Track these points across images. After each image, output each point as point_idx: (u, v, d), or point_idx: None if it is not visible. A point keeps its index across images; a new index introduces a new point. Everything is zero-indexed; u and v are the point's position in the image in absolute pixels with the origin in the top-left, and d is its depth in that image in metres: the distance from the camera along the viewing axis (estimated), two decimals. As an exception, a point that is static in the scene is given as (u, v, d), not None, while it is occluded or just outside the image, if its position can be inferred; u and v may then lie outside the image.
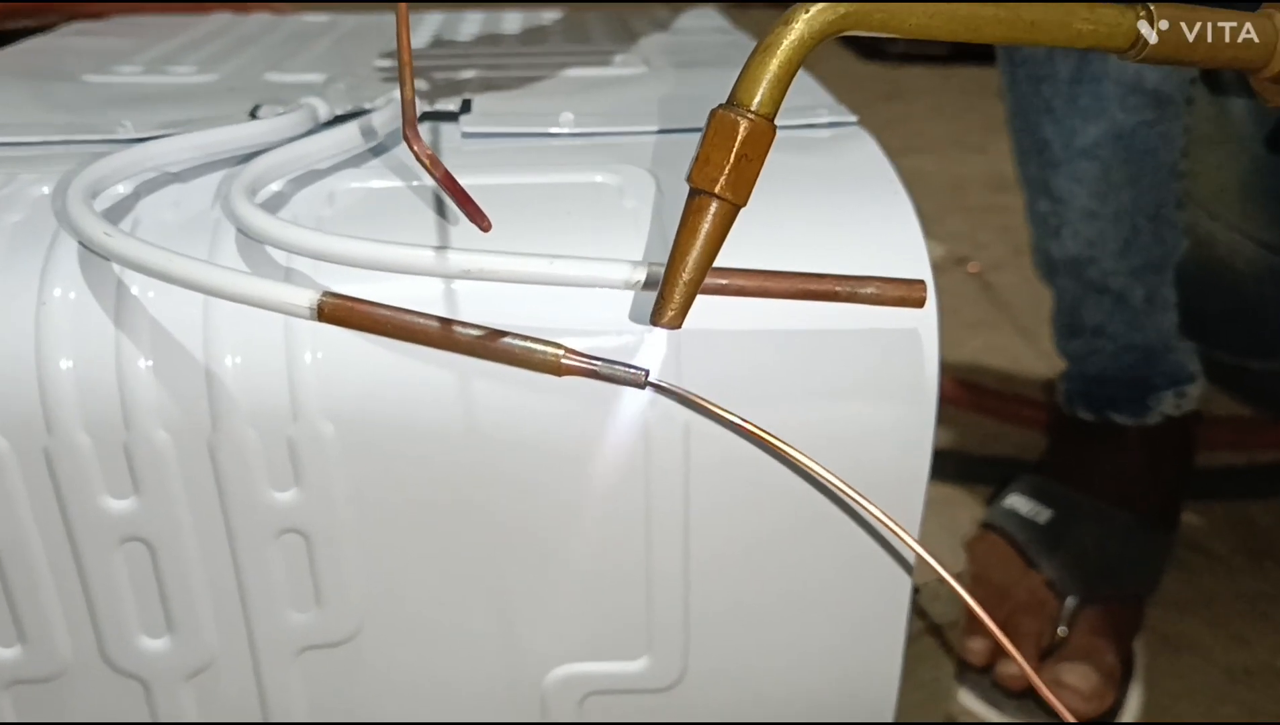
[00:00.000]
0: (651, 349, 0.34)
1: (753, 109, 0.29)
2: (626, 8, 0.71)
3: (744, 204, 0.30)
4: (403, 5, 0.30)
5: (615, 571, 0.38)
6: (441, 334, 0.32)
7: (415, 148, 0.31)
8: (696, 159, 0.29)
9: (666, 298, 0.30)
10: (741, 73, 0.29)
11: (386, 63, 0.54)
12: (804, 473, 0.36)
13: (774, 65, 0.28)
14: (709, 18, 0.69)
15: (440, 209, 0.37)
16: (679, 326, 0.31)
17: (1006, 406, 0.91)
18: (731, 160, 0.29)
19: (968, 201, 1.44)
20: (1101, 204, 0.66)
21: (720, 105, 0.29)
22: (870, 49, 2.28)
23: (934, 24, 0.29)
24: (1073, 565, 0.67)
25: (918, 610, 0.50)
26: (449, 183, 0.31)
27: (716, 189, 0.29)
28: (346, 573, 0.37)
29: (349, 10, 0.72)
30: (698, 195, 0.30)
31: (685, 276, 0.30)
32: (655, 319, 0.30)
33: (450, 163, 0.39)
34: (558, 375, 0.32)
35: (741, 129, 0.29)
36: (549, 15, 0.69)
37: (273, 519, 0.36)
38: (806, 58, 0.28)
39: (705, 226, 0.30)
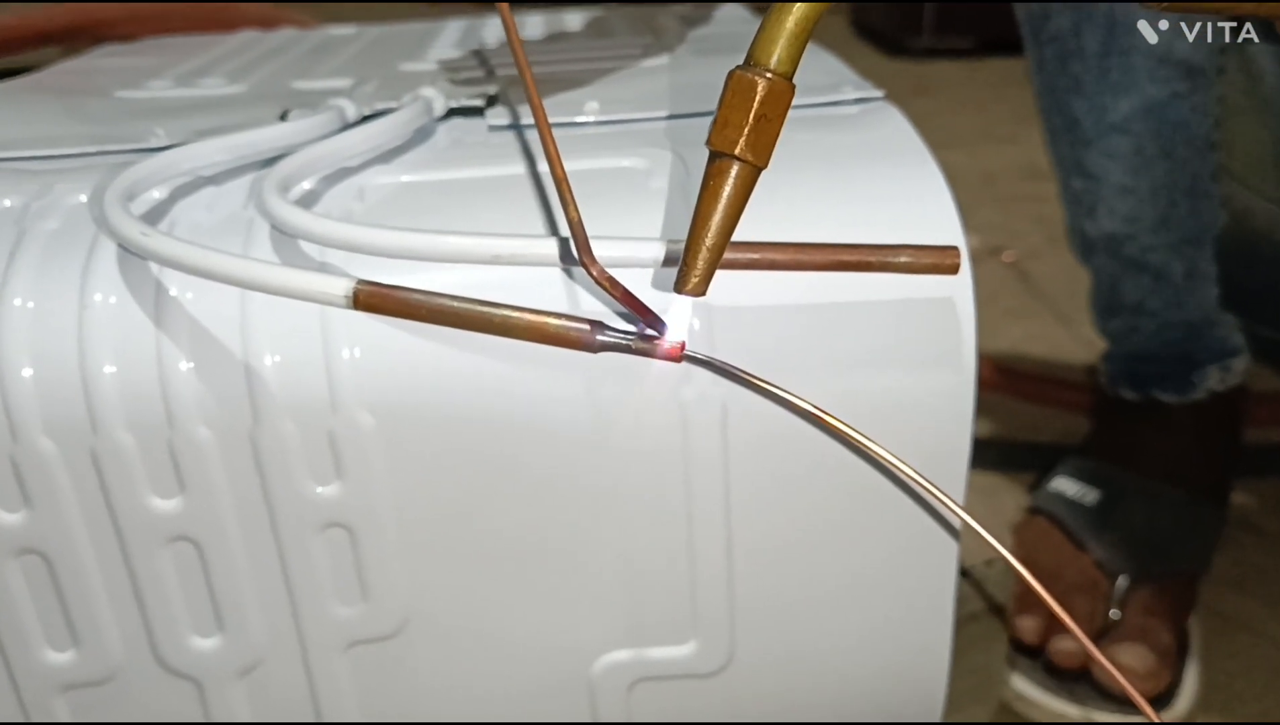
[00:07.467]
0: (685, 326, 0.34)
1: (770, 68, 0.28)
2: (650, 6, 0.71)
3: (764, 165, 0.29)
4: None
5: (659, 555, 0.38)
6: (475, 315, 0.32)
7: (594, 272, 0.31)
8: (715, 122, 0.29)
9: (690, 265, 0.30)
10: (758, 33, 0.28)
11: (412, 67, 0.54)
12: (846, 444, 0.36)
13: (790, 23, 0.28)
14: (733, 11, 0.69)
15: (469, 201, 0.37)
16: (703, 293, 0.30)
17: (1048, 391, 0.90)
18: (750, 121, 0.28)
19: (1000, 192, 1.43)
20: (1136, 179, 0.66)
21: (737, 66, 0.28)
22: (895, 45, 2.27)
23: None
24: (1123, 545, 0.66)
25: (964, 595, 0.50)
26: (629, 301, 0.32)
27: (736, 151, 0.28)
28: (391, 565, 0.37)
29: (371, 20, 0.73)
30: (718, 158, 0.29)
31: (708, 242, 0.29)
32: (679, 287, 0.30)
33: (478, 156, 0.40)
34: (593, 352, 0.32)
35: (759, 88, 0.28)
36: (572, 17, 0.69)
37: (316, 513, 0.36)
38: (821, 16, 0.28)
39: (726, 190, 0.29)
